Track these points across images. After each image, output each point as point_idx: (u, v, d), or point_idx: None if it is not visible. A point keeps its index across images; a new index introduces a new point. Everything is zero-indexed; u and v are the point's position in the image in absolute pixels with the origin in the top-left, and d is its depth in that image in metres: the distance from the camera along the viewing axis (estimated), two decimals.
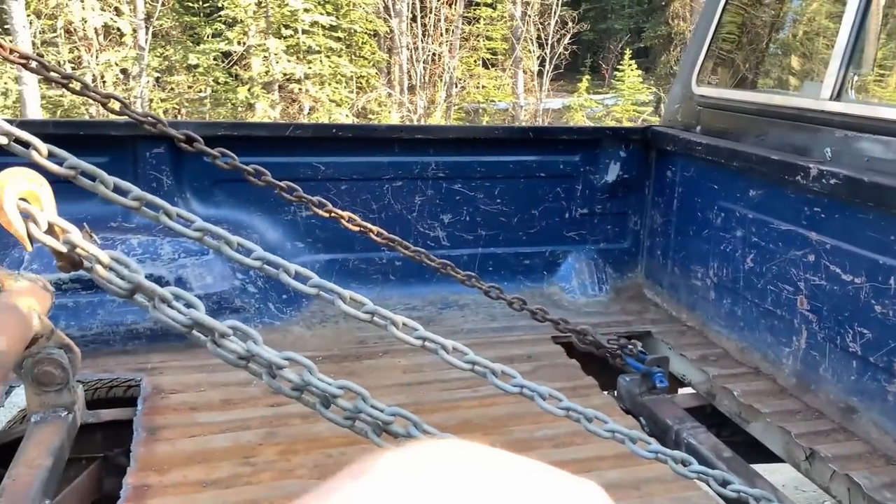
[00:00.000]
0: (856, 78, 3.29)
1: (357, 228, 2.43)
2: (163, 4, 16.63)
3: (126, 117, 2.34)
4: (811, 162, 2.63)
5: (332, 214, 2.40)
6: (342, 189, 3.31)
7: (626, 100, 17.65)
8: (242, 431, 2.37)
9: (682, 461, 1.59)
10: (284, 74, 15.99)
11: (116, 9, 16.38)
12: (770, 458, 2.67)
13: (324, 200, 2.42)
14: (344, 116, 16.25)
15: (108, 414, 2.50)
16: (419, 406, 2.62)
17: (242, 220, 3.19)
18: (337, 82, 16.71)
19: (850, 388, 2.51)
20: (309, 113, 16.47)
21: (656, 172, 3.60)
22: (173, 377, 2.68)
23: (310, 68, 16.09)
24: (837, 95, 2.68)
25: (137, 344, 2.87)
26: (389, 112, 17.93)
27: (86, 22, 16.03)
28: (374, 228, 2.49)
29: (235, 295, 3.04)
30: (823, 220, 2.60)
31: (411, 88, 18.19)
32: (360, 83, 17.93)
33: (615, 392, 2.98)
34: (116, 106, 2.26)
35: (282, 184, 2.34)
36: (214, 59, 16.54)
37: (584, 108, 18.52)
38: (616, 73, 18.69)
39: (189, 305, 1.24)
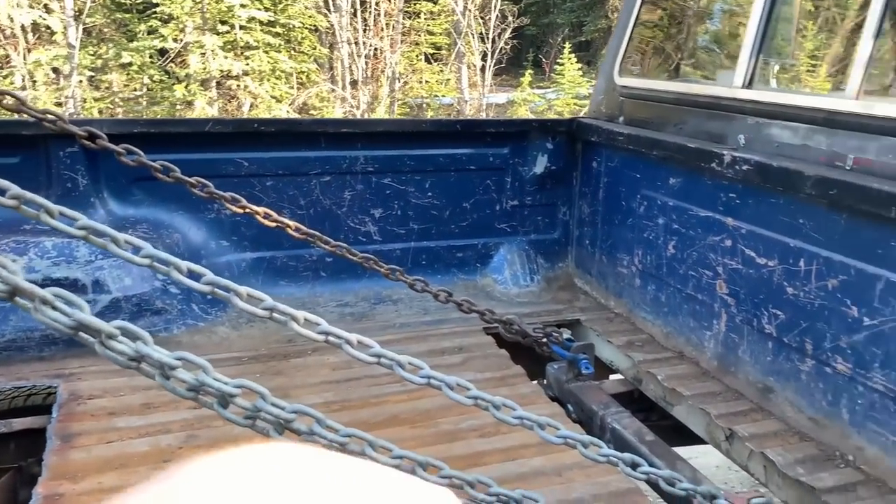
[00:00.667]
0: (776, 67, 3.37)
1: (273, 224, 2.38)
2: (93, 1, 16.13)
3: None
4: (725, 149, 2.69)
5: (247, 210, 2.35)
6: (268, 185, 3.26)
7: (566, 93, 17.81)
8: (162, 435, 2.32)
9: (591, 445, 1.61)
10: (222, 71, 15.70)
11: (45, 6, 15.83)
12: (695, 440, 2.73)
13: (237, 196, 2.37)
14: (284, 112, 16.03)
15: (20, 423, 2.42)
16: (347, 402, 2.60)
17: (163, 220, 3.11)
18: (276, 78, 16.48)
19: (767, 369, 2.58)
20: (249, 110, 16.20)
21: (583, 163, 3.64)
22: (92, 382, 2.61)
23: (248, 64, 15.83)
24: (749, 83, 2.74)
25: (54, 349, 2.78)
26: (333, 108, 17.75)
27: (12, 20, 15.45)
28: (293, 224, 2.44)
29: (156, 296, 2.97)
30: (738, 205, 2.66)
31: (354, 84, 18.05)
32: (301, 79, 17.71)
33: (544, 380, 3.01)
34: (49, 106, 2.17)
35: (192, 180, 2.28)
36: (150, 56, 16.14)
37: (527, 102, 18.63)
38: (557, 67, 18.85)
39: (73, 306, 1.19)
